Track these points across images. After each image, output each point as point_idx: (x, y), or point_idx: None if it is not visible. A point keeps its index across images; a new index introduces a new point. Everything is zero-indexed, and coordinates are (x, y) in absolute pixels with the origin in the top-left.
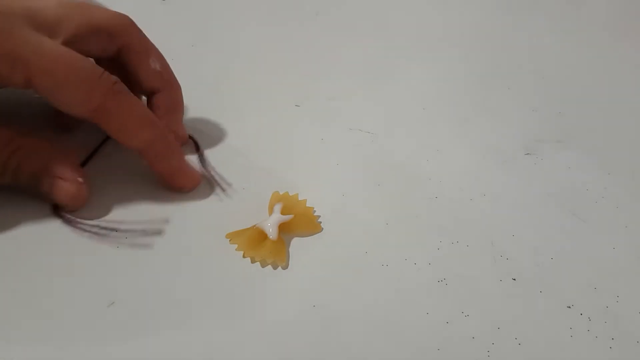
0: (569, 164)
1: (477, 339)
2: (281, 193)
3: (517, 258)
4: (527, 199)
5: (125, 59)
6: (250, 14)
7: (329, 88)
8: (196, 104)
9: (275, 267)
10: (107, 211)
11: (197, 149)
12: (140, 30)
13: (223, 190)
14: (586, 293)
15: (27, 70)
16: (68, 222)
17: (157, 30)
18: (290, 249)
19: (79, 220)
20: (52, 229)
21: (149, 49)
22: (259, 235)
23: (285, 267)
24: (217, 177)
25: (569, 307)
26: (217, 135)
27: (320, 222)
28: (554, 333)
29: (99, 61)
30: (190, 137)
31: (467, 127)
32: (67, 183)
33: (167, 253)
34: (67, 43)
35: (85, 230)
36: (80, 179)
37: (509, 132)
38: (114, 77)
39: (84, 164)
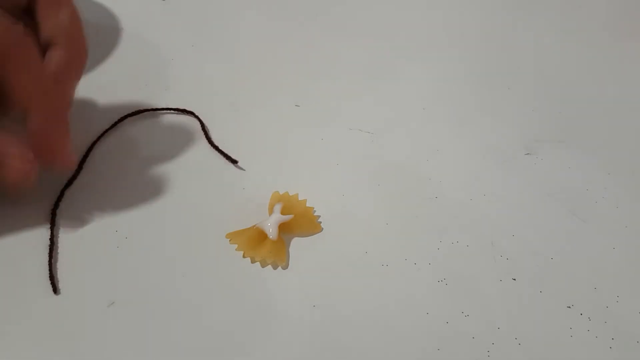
0: (569, 164)
1: (477, 339)
2: (281, 193)
3: (517, 258)
4: (527, 199)
5: (33, 5)
6: (250, 14)
7: (329, 88)
8: (196, 104)
9: (275, 267)
10: (105, 211)
11: (202, 126)
12: None
13: (235, 162)
14: (586, 293)
15: None
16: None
17: (157, 30)
18: (290, 249)
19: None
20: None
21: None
22: (259, 235)
23: (285, 267)
24: (225, 152)
25: (569, 307)
26: (217, 135)
27: (320, 222)
28: (554, 333)
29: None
30: (195, 116)
31: (467, 127)
32: (16, 161)
33: (167, 253)
34: None
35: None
36: (30, 156)
37: (509, 132)
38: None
39: (80, 163)
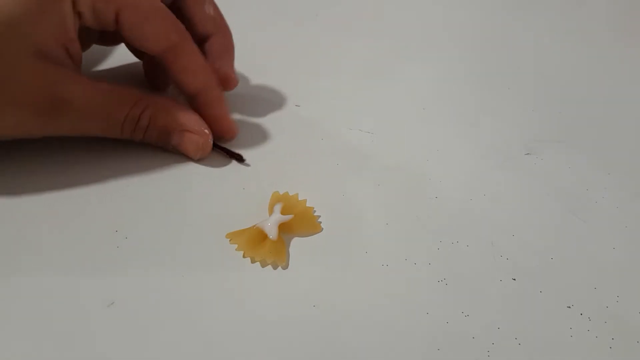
0: (569, 164)
1: (477, 339)
2: (281, 193)
3: (517, 258)
4: (527, 199)
5: (180, 4)
6: (250, 14)
7: (329, 88)
8: None
9: (275, 267)
10: (107, 211)
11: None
12: None
13: (242, 160)
14: (586, 293)
15: (117, 3)
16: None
17: None
18: (290, 249)
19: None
20: (52, 229)
21: None
22: (259, 235)
23: (285, 267)
24: (230, 150)
25: (569, 307)
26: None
27: (320, 222)
28: (554, 333)
29: None
30: None
31: (467, 127)
32: (195, 135)
33: (167, 253)
34: None
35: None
36: (206, 131)
37: (509, 132)
38: None
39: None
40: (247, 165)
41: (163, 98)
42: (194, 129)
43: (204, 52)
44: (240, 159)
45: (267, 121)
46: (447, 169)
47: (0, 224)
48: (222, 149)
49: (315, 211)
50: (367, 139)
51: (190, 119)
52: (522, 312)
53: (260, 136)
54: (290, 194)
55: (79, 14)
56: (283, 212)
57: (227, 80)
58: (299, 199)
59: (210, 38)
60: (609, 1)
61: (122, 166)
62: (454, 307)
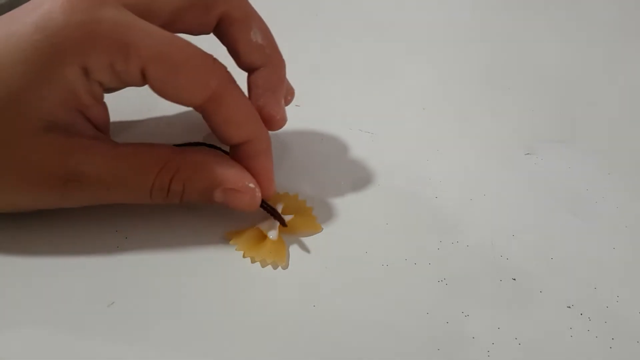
0: (569, 164)
1: (477, 339)
2: (281, 193)
3: (517, 258)
4: (527, 199)
5: (222, 31)
6: None
7: (329, 88)
8: None
9: (275, 267)
10: (105, 211)
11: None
12: None
13: (285, 225)
14: (586, 293)
15: (141, 59)
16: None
17: None
18: (290, 249)
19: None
20: (52, 228)
21: (249, 15)
22: (259, 235)
23: (285, 267)
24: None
25: (569, 307)
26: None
27: (320, 222)
28: (554, 333)
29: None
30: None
31: (467, 126)
32: (241, 194)
33: (167, 253)
34: (165, 26)
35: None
36: (252, 185)
37: (509, 132)
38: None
39: None
40: (285, 226)
41: (197, 153)
42: (237, 186)
43: (248, 84)
44: (283, 223)
45: None
46: (447, 169)
47: None
48: (269, 209)
49: (315, 211)
50: (367, 139)
51: (232, 175)
52: (522, 312)
53: None
54: (290, 194)
55: (95, 79)
56: (283, 212)
57: (270, 121)
58: (299, 198)
59: (256, 70)
60: (609, 1)
61: None
62: (454, 307)
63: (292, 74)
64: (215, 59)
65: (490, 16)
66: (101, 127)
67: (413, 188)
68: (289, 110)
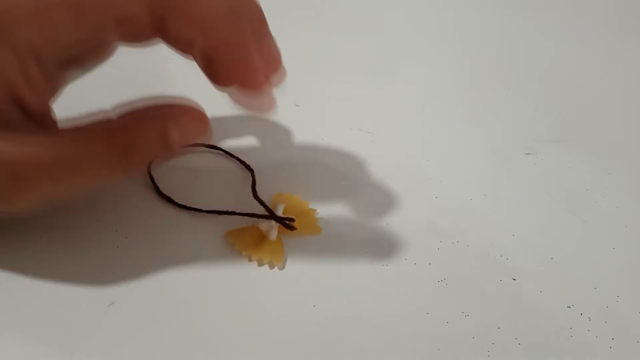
0: (569, 164)
1: (477, 339)
2: (281, 194)
3: (517, 258)
4: (527, 199)
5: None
6: None
7: (329, 88)
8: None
9: (271, 267)
10: (105, 211)
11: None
12: None
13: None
14: (586, 293)
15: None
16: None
17: None
18: (290, 249)
19: None
20: (52, 228)
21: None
22: (259, 235)
23: (281, 268)
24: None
25: (569, 307)
26: (216, 135)
27: (320, 223)
28: (554, 333)
29: None
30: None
31: (467, 127)
32: (195, 120)
33: (166, 252)
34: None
35: None
36: (199, 110)
37: (509, 132)
38: None
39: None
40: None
41: (134, 113)
42: (187, 112)
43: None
44: (289, 227)
45: (266, 121)
46: (447, 169)
47: None
48: (271, 213)
49: (317, 213)
50: (367, 139)
51: (176, 107)
52: (522, 312)
53: (260, 136)
54: (291, 195)
55: (35, 56)
56: (285, 213)
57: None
58: (302, 200)
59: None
60: (609, 1)
61: None
62: (454, 307)
63: (293, 74)
64: None
65: (490, 16)
66: (46, 118)
67: (413, 188)
68: (289, 110)
